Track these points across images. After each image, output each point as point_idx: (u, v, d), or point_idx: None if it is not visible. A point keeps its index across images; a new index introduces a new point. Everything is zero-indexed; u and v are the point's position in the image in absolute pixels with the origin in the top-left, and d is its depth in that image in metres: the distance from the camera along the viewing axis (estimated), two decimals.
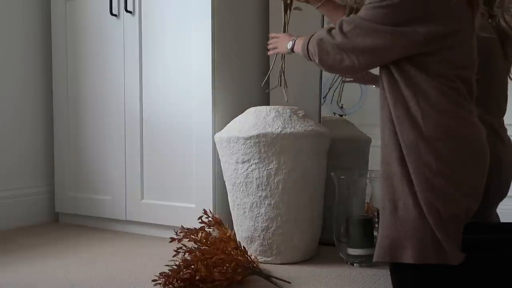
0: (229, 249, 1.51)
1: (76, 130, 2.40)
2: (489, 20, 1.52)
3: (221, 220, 1.66)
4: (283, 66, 1.86)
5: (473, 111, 1.32)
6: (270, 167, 1.70)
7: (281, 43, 1.66)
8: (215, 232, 1.63)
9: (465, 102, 1.30)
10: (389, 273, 1.37)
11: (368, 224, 1.70)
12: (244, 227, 1.77)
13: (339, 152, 1.95)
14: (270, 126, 1.70)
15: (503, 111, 1.58)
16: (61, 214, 2.51)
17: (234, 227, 1.83)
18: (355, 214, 1.74)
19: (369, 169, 1.96)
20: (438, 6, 1.26)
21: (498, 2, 1.51)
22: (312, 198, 1.76)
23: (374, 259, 1.32)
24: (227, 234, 1.59)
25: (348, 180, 1.76)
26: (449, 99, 1.27)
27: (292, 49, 1.57)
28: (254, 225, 1.74)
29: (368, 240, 1.69)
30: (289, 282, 1.51)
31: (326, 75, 2.06)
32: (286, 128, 1.70)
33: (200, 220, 1.64)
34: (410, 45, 1.27)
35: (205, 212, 1.67)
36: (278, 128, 1.69)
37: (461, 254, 1.24)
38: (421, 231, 1.25)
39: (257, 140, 1.69)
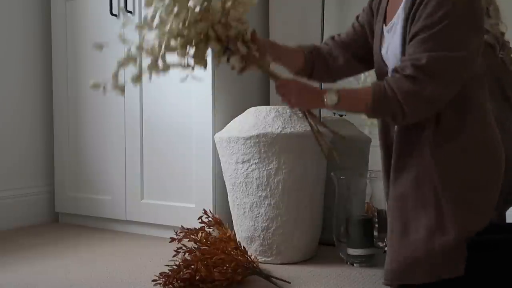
0: (229, 249, 1.51)
1: (76, 130, 2.40)
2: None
3: (221, 220, 1.66)
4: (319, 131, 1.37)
5: (493, 120, 1.28)
6: (270, 167, 1.70)
7: (306, 97, 1.27)
8: (215, 232, 1.63)
9: (489, 113, 1.27)
10: None
11: (368, 224, 1.70)
12: (244, 227, 1.77)
13: (339, 152, 1.95)
14: (270, 126, 1.70)
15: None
16: (61, 214, 2.51)
17: (234, 227, 1.83)
18: (355, 214, 1.74)
19: (369, 169, 1.96)
20: (480, 5, 1.21)
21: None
22: (312, 198, 1.76)
23: (384, 283, 1.29)
24: (227, 234, 1.59)
25: (348, 180, 1.76)
26: (480, 111, 1.24)
27: (338, 103, 1.23)
28: (254, 225, 1.73)
29: (368, 240, 1.68)
30: (289, 282, 1.51)
31: None
32: (286, 128, 1.70)
33: (200, 220, 1.64)
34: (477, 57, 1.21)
35: (205, 212, 1.67)
36: (278, 128, 1.69)
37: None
38: (433, 251, 1.21)
39: (257, 140, 1.69)
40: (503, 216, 1.55)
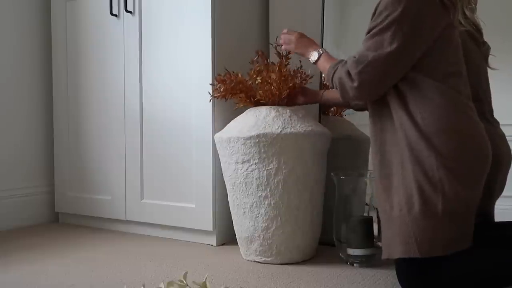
0: None
1: (76, 130, 2.40)
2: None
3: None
4: None
5: (470, 105, 1.35)
6: (270, 167, 1.70)
7: (302, 45, 1.65)
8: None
9: (461, 97, 1.33)
10: (388, 273, 1.38)
11: (368, 224, 1.70)
12: (244, 227, 1.77)
13: (339, 152, 1.95)
14: (270, 126, 1.70)
15: (489, 102, 1.62)
16: (61, 214, 2.51)
17: (234, 227, 1.83)
18: (355, 214, 1.74)
19: (369, 169, 1.96)
20: (428, 5, 1.29)
21: None
22: (312, 198, 1.76)
23: (382, 257, 1.36)
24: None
25: (348, 180, 1.76)
26: (447, 96, 1.30)
27: (315, 62, 1.58)
28: (254, 225, 1.73)
29: (368, 240, 1.68)
30: None
31: None
32: (286, 128, 1.70)
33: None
34: (416, 56, 1.31)
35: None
36: (278, 128, 1.69)
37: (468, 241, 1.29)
38: (405, 228, 1.29)
39: (257, 140, 1.69)
40: (491, 212, 1.59)
